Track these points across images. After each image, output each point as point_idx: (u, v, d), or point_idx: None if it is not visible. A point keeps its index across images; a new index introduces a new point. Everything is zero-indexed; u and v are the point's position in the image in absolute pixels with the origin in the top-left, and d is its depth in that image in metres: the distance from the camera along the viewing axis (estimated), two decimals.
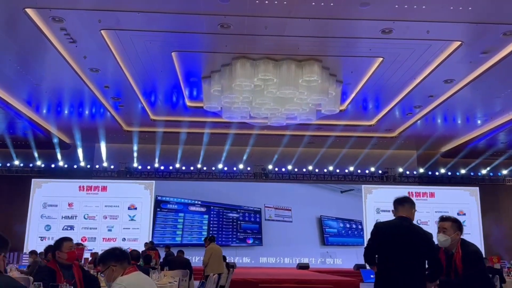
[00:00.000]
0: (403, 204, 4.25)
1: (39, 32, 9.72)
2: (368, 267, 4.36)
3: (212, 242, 10.83)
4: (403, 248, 4.03)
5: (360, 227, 19.77)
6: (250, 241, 19.22)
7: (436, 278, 4.13)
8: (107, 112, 15.47)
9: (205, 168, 19.59)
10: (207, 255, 10.39)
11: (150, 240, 17.07)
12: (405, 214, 4.21)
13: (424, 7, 8.69)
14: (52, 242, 5.04)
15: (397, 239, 4.08)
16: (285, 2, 8.64)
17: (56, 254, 4.59)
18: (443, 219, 4.39)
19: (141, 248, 16.72)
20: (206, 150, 19.10)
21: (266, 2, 8.64)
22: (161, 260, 13.72)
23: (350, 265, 18.45)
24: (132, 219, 19.20)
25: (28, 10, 9.01)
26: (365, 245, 4.31)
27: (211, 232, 19.03)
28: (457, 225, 4.29)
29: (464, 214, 19.92)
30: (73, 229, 18.89)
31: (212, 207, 19.37)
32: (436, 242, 4.33)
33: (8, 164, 19.37)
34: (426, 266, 4.16)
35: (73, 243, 4.74)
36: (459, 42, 10.21)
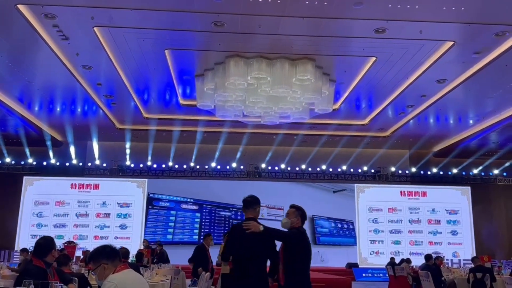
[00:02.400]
0: (248, 207, 4.98)
1: (31, 29, 9.65)
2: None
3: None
4: (252, 245, 4.69)
5: (351, 227, 19.83)
6: None
7: (275, 268, 4.83)
8: (99, 109, 15.40)
9: (198, 167, 19.56)
10: (220, 252, 10.22)
11: (144, 238, 17.05)
12: (252, 215, 4.91)
13: (417, 7, 8.72)
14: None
15: (247, 238, 4.68)
16: (278, 1, 8.63)
17: (51, 253, 4.57)
18: (290, 206, 5.06)
19: (134, 246, 16.72)
20: (199, 149, 19.07)
21: (260, 0, 8.62)
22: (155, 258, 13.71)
23: (341, 265, 18.51)
24: (124, 217, 19.14)
25: (20, 7, 8.95)
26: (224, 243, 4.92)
27: (202, 230, 19.01)
28: (299, 213, 4.94)
29: (456, 213, 20.04)
30: (64, 227, 18.80)
31: (204, 205, 19.35)
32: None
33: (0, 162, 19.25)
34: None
35: None
36: (452, 42, 10.25)
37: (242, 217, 22.10)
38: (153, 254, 13.81)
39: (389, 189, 20.17)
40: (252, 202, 5.01)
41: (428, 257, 11.56)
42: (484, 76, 11.76)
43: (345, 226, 19.90)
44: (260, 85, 11.52)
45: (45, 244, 4.62)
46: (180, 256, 14.35)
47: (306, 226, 18.57)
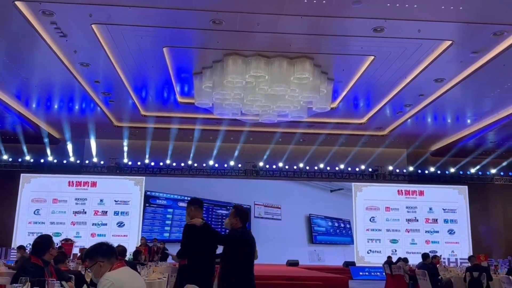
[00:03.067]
0: (202, 210, 5.48)
1: (29, 26, 9.62)
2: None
3: None
4: (204, 243, 5.07)
5: (348, 226, 19.86)
6: None
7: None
8: (97, 107, 15.36)
9: (195, 165, 19.54)
10: None
11: (142, 236, 17.06)
12: (200, 217, 5.23)
13: (415, 6, 8.72)
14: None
15: (200, 237, 5.06)
16: None
17: (49, 251, 4.59)
18: (232, 207, 5.37)
19: (131, 244, 16.72)
20: (197, 147, 19.05)
21: None
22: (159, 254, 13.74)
23: (338, 263, 18.53)
24: (122, 215, 19.12)
25: (18, 3, 8.92)
26: (183, 242, 5.33)
27: None
28: (238, 214, 5.12)
29: (453, 213, 20.08)
30: (62, 225, 18.77)
31: None
32: None
33: None
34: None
35: None
36: (450, 42, 10.26)
37: None
38: (150, 252, 13.82)
39: (386, 188, 20.20)
40: (203, 206, 5.49)
41: (425, 256, 11.58)
42: (482, 75, 11.77)
43: (342, 225, 19.92)
44: (258, 83, 11.51)
45: (43, 242, 4.63)
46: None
47: (303, 225, 18.63)
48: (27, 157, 19.16)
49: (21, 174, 19.17)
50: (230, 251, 4.92)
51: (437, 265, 12.05)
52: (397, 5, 8.70)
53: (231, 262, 4.85)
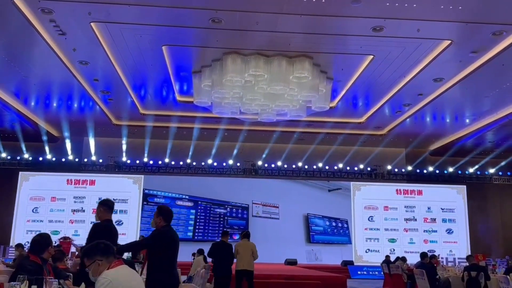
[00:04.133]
0: (112, 211, 5.52)
1: (27, 24, 9.60)
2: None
3: (243, 238, 10.44)
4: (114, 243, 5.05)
5: (345, 225, 19.88)
6: (237, 237, 19.23)
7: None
8: (96, 105, 15.34)
9: (194, 163, 19.54)
10: (235, 252, 10.25)
11: (140, 235, 17.05)
12: (108, 217, 5.40)
13: (415, 5, 8.72)
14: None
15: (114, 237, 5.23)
16: None
17: (47, 250, 4.60)
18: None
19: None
20: (196, 145, 19.05)
21: None
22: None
23: (335, 263, 18.54)
24: (120, 214, 19.10)
25: (17, 1, 8.90)
26: (88, 242, 5.12)
27: (197, 227, 19.00)
28: (160, 213, 5.31)
29: (452, 212, 20.10)
30: (60, 223, 18.75)
31: (199, 202, 19.34)
32: None
33: None
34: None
35: None
36: (449, 41, 10.26)
37: (237, 214, 21.96)
38: None
39: (385, 187, 20.22)
40: (113, 209, 5.49)
41: (423, 255, 11.59)
42: (481, 75, 11.78)
43: (340, 224, 19.95)
44: (257, 82, 11.50)
45: (41, 241, 4.63)
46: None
47: (300, 224, 18.68)
48: (26, 155, 19.14)
49: (20, 172, 19.16)
50: (154, 249, 5.09)
51: (435, 265, 12.08)
52: (397, 4, 8.70)
53: (157, 259, 5.04)
